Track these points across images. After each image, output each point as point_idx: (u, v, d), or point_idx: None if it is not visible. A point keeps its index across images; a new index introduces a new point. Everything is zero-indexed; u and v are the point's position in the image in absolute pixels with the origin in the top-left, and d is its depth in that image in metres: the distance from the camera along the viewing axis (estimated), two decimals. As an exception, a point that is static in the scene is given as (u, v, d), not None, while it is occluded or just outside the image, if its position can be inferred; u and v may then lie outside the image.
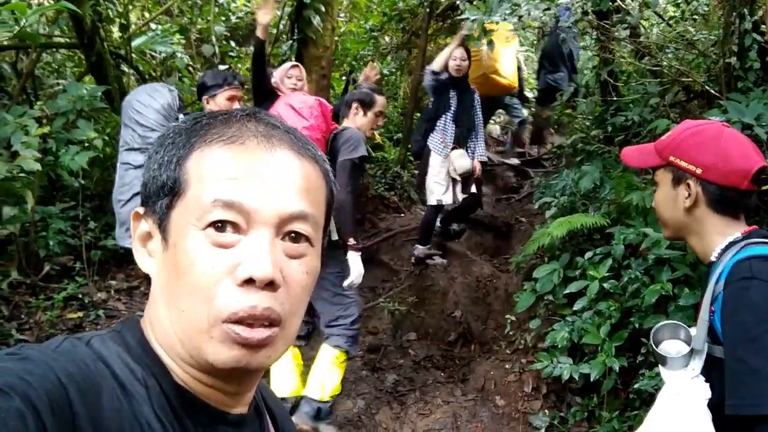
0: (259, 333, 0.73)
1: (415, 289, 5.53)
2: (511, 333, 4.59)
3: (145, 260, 0.81)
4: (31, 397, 0.59)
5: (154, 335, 0.79)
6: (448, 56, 5.54)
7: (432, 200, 5.58)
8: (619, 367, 3.38)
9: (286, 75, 4.77)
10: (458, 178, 5.59)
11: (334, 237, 3.73)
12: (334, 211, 3.28)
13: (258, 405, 0.91)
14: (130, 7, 8.03)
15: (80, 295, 4.63)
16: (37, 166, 3.85)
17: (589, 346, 3.66)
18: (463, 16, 4.80)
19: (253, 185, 0.75)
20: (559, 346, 3.70)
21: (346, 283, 3.70)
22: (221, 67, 8.88)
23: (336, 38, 6.94)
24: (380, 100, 4.07)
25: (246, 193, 0.74)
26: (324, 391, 3.74)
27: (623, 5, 4.29)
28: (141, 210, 0.81)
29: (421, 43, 7.12)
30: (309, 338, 4.09)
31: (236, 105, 3.86)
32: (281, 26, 6.89)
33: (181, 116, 3.69)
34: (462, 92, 5.61)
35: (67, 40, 5.85)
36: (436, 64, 5.63)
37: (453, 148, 5.56)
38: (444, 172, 5.53)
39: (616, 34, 4.32)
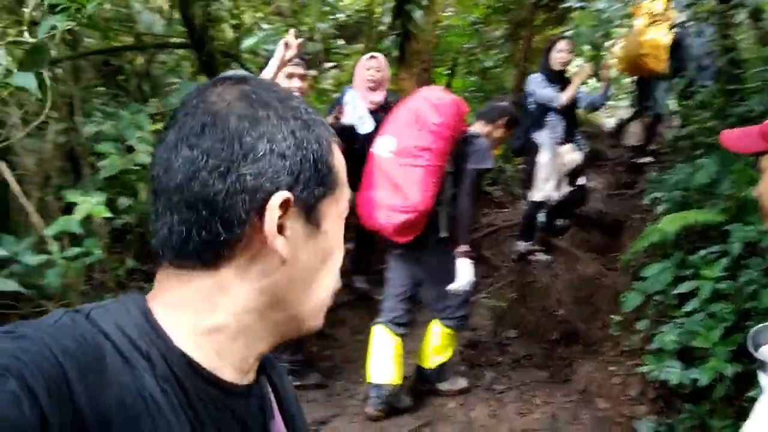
0: None
1: (517, 286, 5.41)
2: (616, 334, 4.38)
3: (283, 245, 0.74)
4: (26, 378, 0.58)
5: (176, 313, 0.76)
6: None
7: (538, 196, 5.44)
8: (733, 373, 3.14)
9: (364, 67, 4.75)
10: (566, 173, 5.45)
11: (444, 233, 3.74)
12: (449, 214, 3.05)
13: (260, 368, 0.88)
14: (243, 8, 8.35)
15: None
16: (150, 160, 4.06)
17: (699, 350, 3.42)
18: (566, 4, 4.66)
19: None
20: (668, 349, 3.49)
21: (452, 287, 3.74)
22: (327, 65, 9.08)
23: (438, 32, 6.89)
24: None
25: None
26: (433, 361, 4.07)
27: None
28: (289, 196, 0.73)
29: (527, 34, 6.95)
30: (409, 327, 4.12)
31: (296, 82, 3.87)
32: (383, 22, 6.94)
33: None
34: (564, 87, 5.40)
35: (181, 40, 6.15)
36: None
37: (561, 143, 5.40)
38: (552, 167, 5.37)
39: (735, 19, 4.02)
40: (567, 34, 6.40)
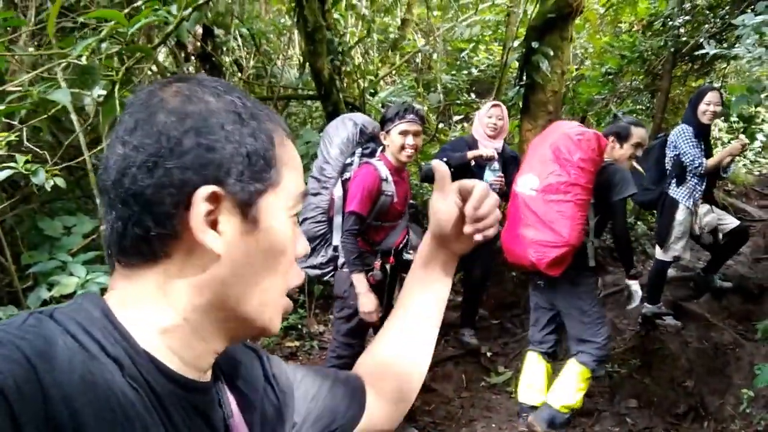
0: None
1: (640, 352, 5.00)
2: (749, 411, 3.90)
3: (214, 240, 0.73)
4: None
5: (136, 311, 0.75)
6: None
7: (668, 255, 5.07)
8: None
9: (486, 114, 4.81)
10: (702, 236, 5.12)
11: (592, 264, 3.86)
12: (595, 245, 3.27)
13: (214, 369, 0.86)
14: (379, 64, 8.65)
15: (299, 326, 4.93)
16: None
17: None
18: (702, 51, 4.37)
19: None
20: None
21: (630, 307, 4.04)
22: (456, 118, 9.14)
23: (568, 82, 6.72)
24: (637, 131, 4.00)
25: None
26: (562, 401, 3.95)
27: None
28: (218, 190, 0.72)
29: (664, 85, 6.59)
30: (555, 354, 4.20)
31: (410, 140, 3.61)
32: (509, 73, 6.88)
33: (358, 150, 3.77)
34: (708, 142, 5.03)
35: (311, 92, 6.43)
36: None
37: (699, 203, 5.05)
38: (688, 226, 5.02)
39: None
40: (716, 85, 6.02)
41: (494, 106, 4.92)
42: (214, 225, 0.73)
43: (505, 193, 4.67)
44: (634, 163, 4.03)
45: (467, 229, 1.05)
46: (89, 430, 0.62)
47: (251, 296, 0.77)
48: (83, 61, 2.30)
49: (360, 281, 3.56)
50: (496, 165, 4.88)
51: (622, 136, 3.97)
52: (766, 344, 4.33)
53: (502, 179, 4.87)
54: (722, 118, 7.53)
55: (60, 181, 2.61)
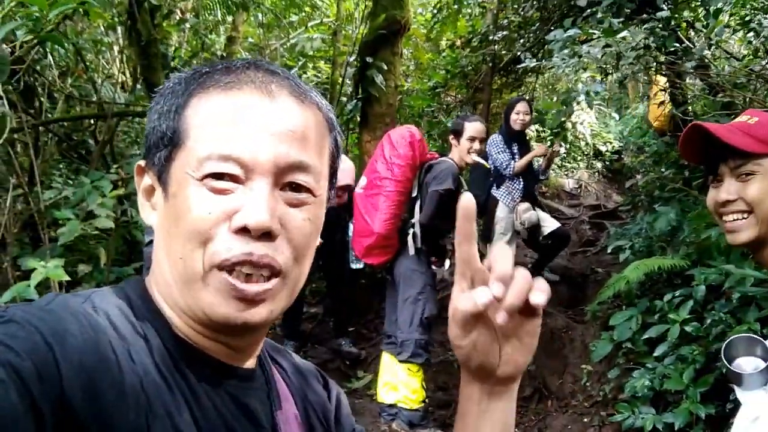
0: (257, 286, 0.71)
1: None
2: (588, 385, 4.32)
3: (149, 214, 0.80)
4: (13, 363, 0.57)
5: (157, 290, 0.77)
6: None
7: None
8: (706, 415, 3.10)
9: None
10: (521, 231, 5.55)
11: (411, 252, 4.10)
12: (422, 229, 3.75)
13: (262, 360, 0.87)
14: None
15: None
16: (111, 225, 3.98)
17: (672, 394, 3.39)
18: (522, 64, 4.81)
19: (250, 135, 0.72)
20: (640, 395, 3.45)
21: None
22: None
23: (399, 96, 7.04)
24: (470, 126, 4.23)
25: (242, 144, 0.71)
26: (406, 397, 4.08)
27: (688, 42, 4.17)
28: (143, 163, 0.80)
29: (485, 97, 7.14)
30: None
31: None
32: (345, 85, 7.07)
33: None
34: (522, 146, 5.51)
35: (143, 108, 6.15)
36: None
37: (518, 202, 5.50)
38: (509, 222, 5.46)
39: (684, 67, 4.18)
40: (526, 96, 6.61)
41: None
42: (149, 195, 0.80)
43: None
44: (476, 157, 4.25)
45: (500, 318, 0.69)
46: (108, 412, 0.62)
47: (172, 269, 0.74)
48: None
49: None
50: None
51: (457, 132, 4.25)
52: (595, 325, 4.81)
53: None
54: (537, 124, 8.25)
55: None
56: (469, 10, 8.04)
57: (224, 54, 9.48)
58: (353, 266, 4.63)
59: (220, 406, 0.75)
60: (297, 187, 0.75)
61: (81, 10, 2.67)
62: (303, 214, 0.75)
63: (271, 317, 0.75)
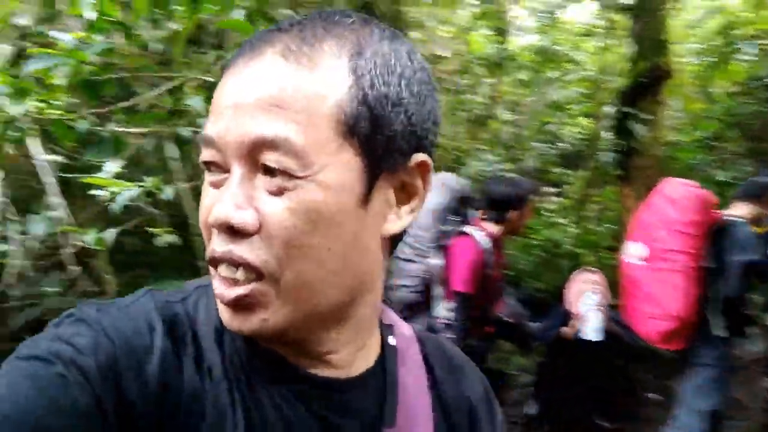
0: (233, 291, 0.62)
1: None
2: None
3: None
4: (77, 362, 0.58)
5: None
6: None
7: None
8: None
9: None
10: None
11: (718, 333, 3.54)
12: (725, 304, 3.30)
13: (386, 364, 0.77)
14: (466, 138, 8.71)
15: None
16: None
17: None
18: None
19: (217, 111, 0.63)
20: None
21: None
22: (550, 189, 8.99)
23: (664, 147, 6.55)
24: None
25: (212, 123, 0.63)
26: None
27: None
28: None
29: (769, 148, 6.32)
30: None
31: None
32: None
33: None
34: None
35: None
36: None
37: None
38: None
39: None
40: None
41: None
42: None
43: None
44: None
45: None
46: (165, 410, 0.62)
47: None
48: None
49: None
50: None
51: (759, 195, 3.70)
52: None
53: None
54: None
55: (172, 238, 2.37)
56: (746, 57, 7.27)
57: (484, 112, 9.71)
58: (587, 337, 3.85)
59: (296, 425, 0.68)
60: (269, 170, 0.61)
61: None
62: (284, 203, 0.61)
63: (267, 327, 0.64)
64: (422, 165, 0.69)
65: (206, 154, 0.64)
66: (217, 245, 0.62)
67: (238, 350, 0.68)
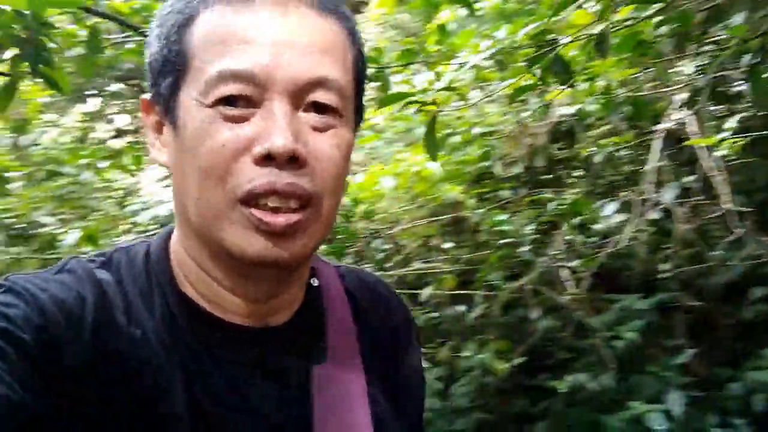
0: (285, 217, 0.63)
1: None
2: None
3: (159, 154, 0.72)
4: (12, 332, 0.59)
5: (176, 240, 0.75)
6: None
7: None
8: None
9: None
10: None
11: None
12: None
13: (312, 305, 0.79)
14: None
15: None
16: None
17: None
18: None
19: (264, 49, 0.63)
20: None
21: None
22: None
23: None
24: None
25: (255, 59, 0.63)
26: None
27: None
28: (148, 97, 0.72)
29: None
30: None
31: None
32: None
33: None
34: None
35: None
36: None
37: None
38: None
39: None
40: None
41: None
42: (160, 130, 0.72)
43: None
44: None
45: None
46: (101, 376, 0.63)
47: (192, 207, 0.67)
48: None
49: None
50: None
51: None
52: None
53: None
54: None
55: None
56: None
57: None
58: None
59: (239, 377, 0.71)
60: (321, 108, 0.65)
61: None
62: (332, 140, 0.66)
63: (305, 253, 0.68)
64: None
65: (233, 88, 0.63)
66: (259, 178, 0.62)
67: (171, 309, 0.70)
